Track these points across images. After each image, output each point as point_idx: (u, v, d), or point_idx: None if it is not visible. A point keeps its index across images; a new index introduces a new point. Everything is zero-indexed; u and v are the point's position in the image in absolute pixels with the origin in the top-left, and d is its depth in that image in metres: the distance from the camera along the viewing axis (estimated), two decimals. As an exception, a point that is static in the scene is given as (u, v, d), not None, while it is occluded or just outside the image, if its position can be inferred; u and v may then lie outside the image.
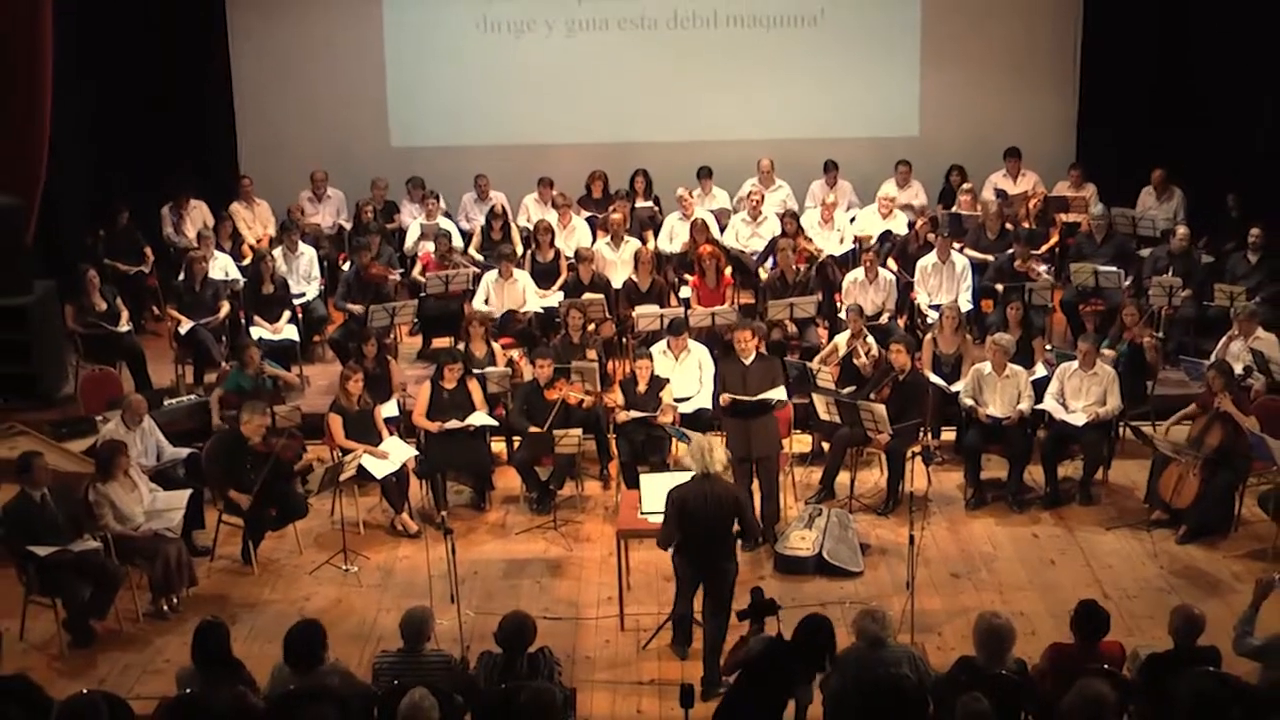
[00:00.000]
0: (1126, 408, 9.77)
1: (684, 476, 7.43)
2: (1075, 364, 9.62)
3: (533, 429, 9.45)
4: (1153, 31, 13.69)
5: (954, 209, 13.13)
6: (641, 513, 7.93)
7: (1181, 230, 11.85)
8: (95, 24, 12.93)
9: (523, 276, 11.73)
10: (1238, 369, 9.67)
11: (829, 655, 6.17)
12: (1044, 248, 12.45)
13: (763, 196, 13.00)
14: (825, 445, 9.87)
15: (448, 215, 13.25)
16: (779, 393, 8.92)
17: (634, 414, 9.54)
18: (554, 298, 11.74)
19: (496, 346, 10.66)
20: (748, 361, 8.99)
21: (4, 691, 6.05)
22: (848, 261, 12.47)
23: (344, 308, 11.62)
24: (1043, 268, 11.84)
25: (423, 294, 11.76)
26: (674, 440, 9.46)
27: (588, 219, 13.01)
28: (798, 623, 6.25)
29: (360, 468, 9.05)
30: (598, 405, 9.76)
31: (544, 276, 11.99)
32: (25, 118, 10.99)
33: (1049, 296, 11.39)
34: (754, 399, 8.81)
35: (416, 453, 9.43)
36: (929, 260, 11.69)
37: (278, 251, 12.10)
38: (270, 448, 8.79)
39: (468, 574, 8.54)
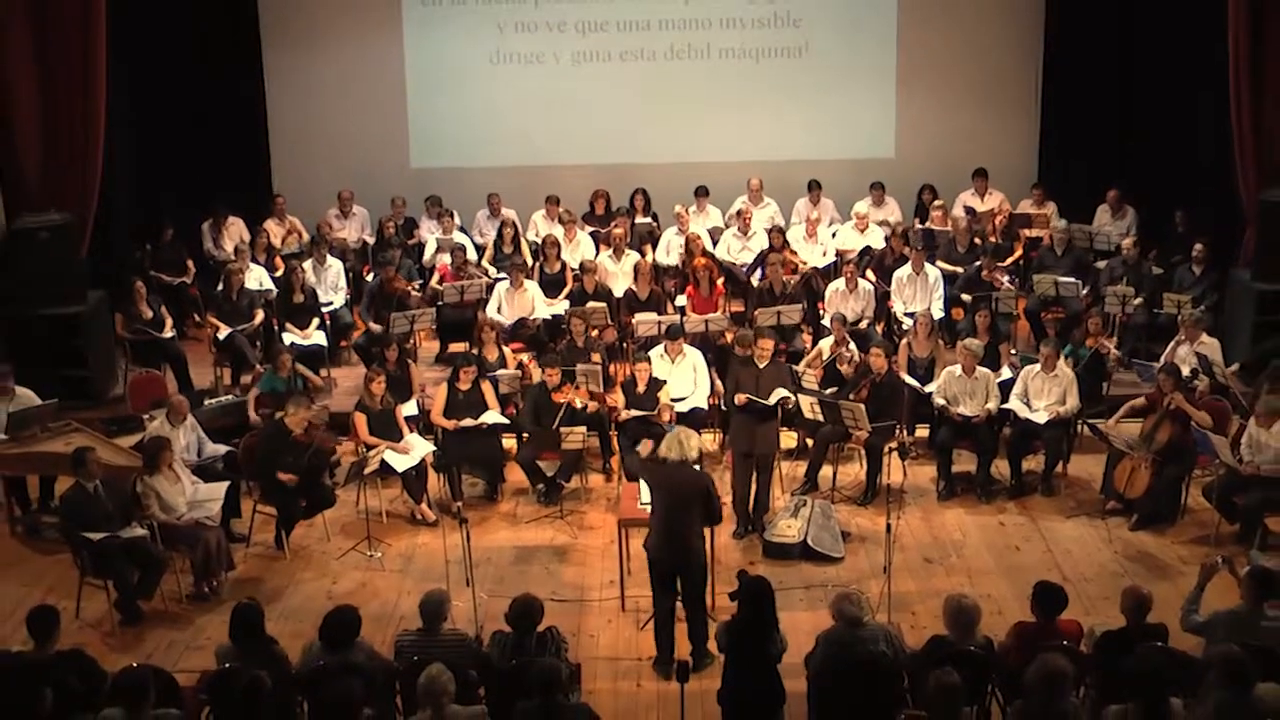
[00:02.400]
0: (1084, 407, 9.79)
1: None
2: (1038, 367, 9.65)
3: (571, 425, 9.37)
4: (1106, 65, 13.73)
5: (927, 224, 13.18)
6: (641, 504, 7.92)
7: (1128, 241, 11.91)
8: (145, 63, 13.04)
9: (532, 286, 11.76)
10: (1185, 371, 9.70)
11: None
12: (1009, 260, 12.47)
13: (752, 213, 13.03)
14: (809, 441, 9.89)
15: (462, 230, 13.26)
16: (785, 393, 8.96)
17: (634, 413, 9.58)
18: (560, 306, 11.75)
19: (508, 351, 10.69)
20: (762, 365, 9.02)
21: (63, 664, 6.12)
22: (830, 273, 12.51)
23: (367, 321, 11.62)
24: (1008, 278, 11.87)
25: (440, 302, 11.79)
26: (671, 437, 9.48)
27: (591, 234, 13.02)
28: (744, 591, 6.25)
29: (383, 462, 9.09)
30: (600, 409, 9.80)
31: (551, 286, 12.01)
32: (81, 147, 11.06)
33: (1014, 305, 11.43)
34: (766, 403, 8.81)
35: (434, 448, 9.46)
36: (904, 272, 11.72)
37: (308, 264, 12.11)
38: (311, 438, 8.88)
39: (481, 560, 8.56)
